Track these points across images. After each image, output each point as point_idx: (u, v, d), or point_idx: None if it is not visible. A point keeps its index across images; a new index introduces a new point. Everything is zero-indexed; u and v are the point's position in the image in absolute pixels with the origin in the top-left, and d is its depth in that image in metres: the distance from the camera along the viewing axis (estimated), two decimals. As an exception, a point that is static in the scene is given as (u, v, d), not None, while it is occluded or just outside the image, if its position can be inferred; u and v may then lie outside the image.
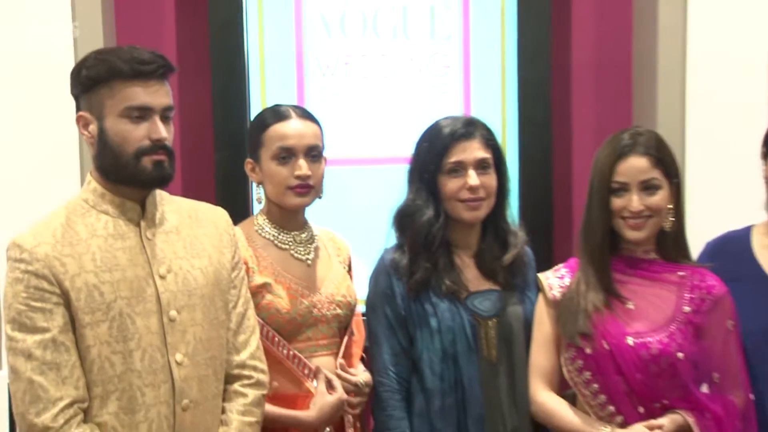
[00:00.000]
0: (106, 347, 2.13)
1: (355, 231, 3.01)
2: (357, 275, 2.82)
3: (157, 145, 2.17)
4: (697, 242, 2.66)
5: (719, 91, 3.25)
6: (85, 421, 2.12)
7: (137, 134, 2.16)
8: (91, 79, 2.17)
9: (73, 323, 2.12)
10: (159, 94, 2.19)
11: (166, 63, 2.21)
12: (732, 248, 2.67)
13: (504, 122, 3.34)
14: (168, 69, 2.22)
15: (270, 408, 2.45)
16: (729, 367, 2.50)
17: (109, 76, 2.15)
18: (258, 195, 2.69)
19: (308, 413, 2.53)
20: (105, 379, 2.13)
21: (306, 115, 2.65)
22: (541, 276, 2.64)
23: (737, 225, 2.74)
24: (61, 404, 2.08)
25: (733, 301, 2.52)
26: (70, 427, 2.08)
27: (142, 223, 2.23)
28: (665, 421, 2.41)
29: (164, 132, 2.18)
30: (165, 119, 2.20)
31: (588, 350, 2.47)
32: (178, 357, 2.19)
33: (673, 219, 2.52)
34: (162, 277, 2.20)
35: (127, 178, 2.19)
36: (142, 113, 2.16)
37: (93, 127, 2.19)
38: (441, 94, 3.38)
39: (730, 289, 2.52)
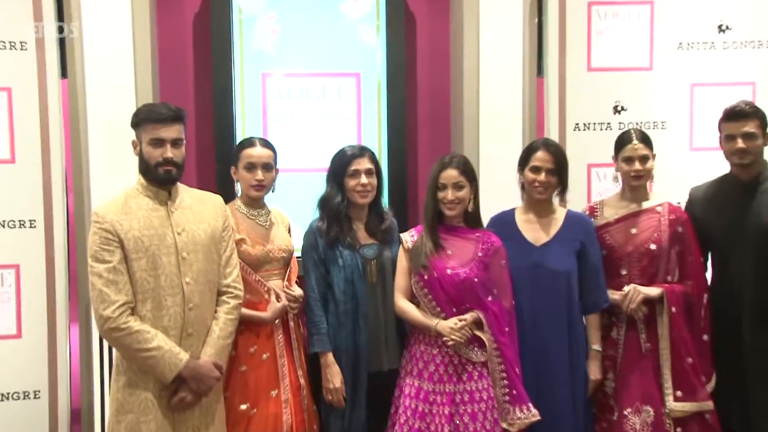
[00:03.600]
0: (144, 273, 2.09)
1: (295, 209, 2.88)
2: (294, 235, 2.70)
3: (168, 161, 2.15)
4: (485, 217, 2.59)
5: (502, 134, 3.18)
6: (131, 314, 2.08)
7: (155, 154, 2.16)
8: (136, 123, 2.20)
9: (126, 259, 2.08)
10: (170, 132, 2.16)
11: (176, 113, 2.17)
12: (504, 221, 2.61)
13: (380, 149, 3.24)
14: (178, 116, 2.17)
15: (244, 310, 2.36)
16: (502, 286, 2.46)
17: (145, 119, 2.16)
18: (237, 188, 2.62)
19: (266, 313, 2.45)
20: (144, 291, 2.10)
21: (265, 144, 2.55)
22: (401, 235, 2.56)
23: (507, 207, 2.68)
24: (117, 304, 2.05)
25: (506, 250, 2.49)
26: (122, 317, 2.05)
27: (169, 203, 2.18)
28: (467, 315, 2.38)
29: (170, 153, 2.15)
30: (175, 145, 2.17)
31: (426, 276, 2.41)
32: (187, 279, 2.14)
33: (473, 204, 2.49)
34: (179, 234, 2.15)
35: (152, 179, 2.18)
36: (159, 142, 2.16)
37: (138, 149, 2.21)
38: (345, 133, 3.25)
39: (504, 245, 2.49)
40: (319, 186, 2.61)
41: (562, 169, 2.53)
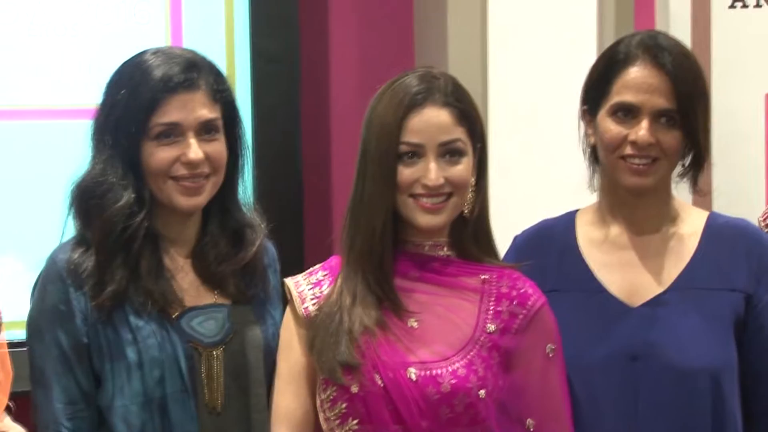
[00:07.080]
0: None
1: (11, 216, 2.93)
2: (9, 283, 2.69)
3: None
4: (501, 234, 2.63)
5: (542, 34, 3.49)
6: None
7: None
8: None
9: None
10: None
11: None
12: (551, 244, 2.70)
13: (230, 57, 3.39)
14: None
15: None
16: (549, 408, 2.47)
17: None
18: None
19: None
20: None
21: None
22: (289, 282, 2.52)
23: (554, 211, 2.78)
24: None
25: (555, 316, 2.49)
26: None
27: None
28: None
29: None
30: None
31: (354, 388, 2.38)
32: None
33: (475, 200, 2.48)
34: None
35: None
36: None
37: None
38: (138, 18, 3.39)
39: (549, 300, 2.49)
40: (72, 155, 2.58)
41: (694, 110, 2.56)
